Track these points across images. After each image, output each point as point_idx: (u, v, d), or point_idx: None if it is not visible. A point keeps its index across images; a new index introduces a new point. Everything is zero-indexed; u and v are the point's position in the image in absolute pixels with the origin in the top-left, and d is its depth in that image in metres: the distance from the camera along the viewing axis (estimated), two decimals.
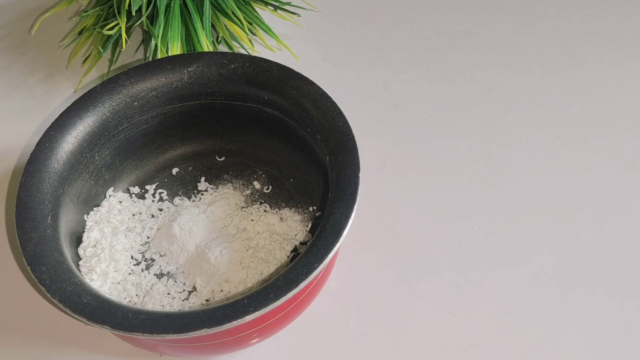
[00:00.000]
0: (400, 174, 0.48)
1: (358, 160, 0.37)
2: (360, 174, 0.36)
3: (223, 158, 0.46)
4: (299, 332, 0.41)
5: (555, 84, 0.53)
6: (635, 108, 0.51)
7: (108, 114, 0.41)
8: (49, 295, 0.33)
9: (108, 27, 0.49)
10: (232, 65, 0.42)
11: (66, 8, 0.53)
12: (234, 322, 0.32)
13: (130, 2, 0.47)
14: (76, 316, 0.33)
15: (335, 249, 0.34)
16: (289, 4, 0.54)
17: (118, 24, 0.49)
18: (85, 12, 0.51)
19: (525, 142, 0.49)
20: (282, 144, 0.44)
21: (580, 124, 0.50)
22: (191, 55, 0.43)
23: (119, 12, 0.48)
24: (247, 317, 0.32)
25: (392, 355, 0.40)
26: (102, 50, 0.51)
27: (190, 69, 0.42)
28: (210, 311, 0.32)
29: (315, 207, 0.43)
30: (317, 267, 0.33)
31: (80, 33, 0.53)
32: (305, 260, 0.34)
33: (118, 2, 0.49)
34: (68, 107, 0.41)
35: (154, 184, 0.45)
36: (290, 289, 0.33)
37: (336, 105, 0.39)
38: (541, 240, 0.44)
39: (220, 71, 0.42)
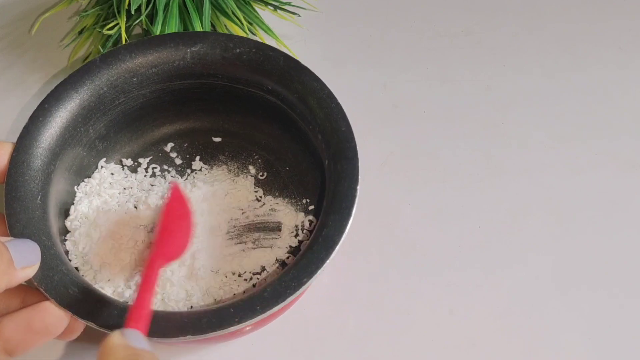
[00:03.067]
0: (400, 174, 0.47)
1: (357, 171, 0.36)
2: (358, 187, 0.36)
3: (220, 139, 0.45)
4: (299, 332, 0.41)
5: (555, 84, 0.52)
6: (635, 108, 0.51)
7: (105, 89, 0.40)
8: (35, 283, 0.33)
9: (108, 26, 0.49)
10: (238, 50, 0.40)
11: (66, 8, 0.53)
12: (219, 331, 0.32)
13: (129, 1, 0.47)
14: (62, 308, 0.32)
15: (326, 264, 0.34)
16: (289, 4, 0.54)
17: (118, 23, 0.48)
18: (85, 11, 0.51)
19: (525, 142, 0.49)
20: (282, 131, 0.43)
21: (580, 124, 0.50)
22: (196, 34, 0.41)
23: (119, 12, 0.48)
24: (232, 327, 0.32)
25: (392, 355, 0.40)
26: (102, 50, 0.51)
27: (193, 49, 0.40)
28: (196, 317, 0.32)
29: (309, 200, 0.42)
30: (306, 282, 0.33)
31: (80, 33, 0.53)
32: (295, 273, 0.33)
33: (118, 1, 0.49)
34: (64, 80, 0.39)
35: (147, 157, 0.44)
36: (277, 302, 0.32)
37: (341, 107, 0.38)
38: (541, 240, 0.44)
39: (225, 54, 0.40)
